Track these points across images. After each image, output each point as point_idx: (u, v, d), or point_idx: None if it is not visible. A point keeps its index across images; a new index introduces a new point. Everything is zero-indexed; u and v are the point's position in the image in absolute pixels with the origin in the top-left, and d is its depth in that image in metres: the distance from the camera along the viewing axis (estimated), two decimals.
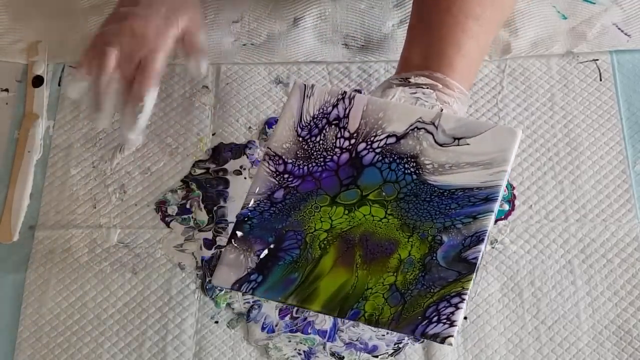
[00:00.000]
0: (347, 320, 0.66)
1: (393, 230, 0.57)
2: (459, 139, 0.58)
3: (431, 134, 0.59)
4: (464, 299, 0.54)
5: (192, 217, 0.72)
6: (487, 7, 0.65)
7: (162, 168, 0.75)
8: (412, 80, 0.62)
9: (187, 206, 0.72)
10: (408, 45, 0.66)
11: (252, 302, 0.68)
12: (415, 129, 0.59)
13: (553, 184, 0.72)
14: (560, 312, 0.67)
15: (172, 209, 0.73)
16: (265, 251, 0.58)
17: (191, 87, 0.79)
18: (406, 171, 0.58)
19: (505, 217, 0.71)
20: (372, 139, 0.60)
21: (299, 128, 0.61)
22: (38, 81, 0.79)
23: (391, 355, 0.66)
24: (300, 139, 0.61)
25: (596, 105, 0.76)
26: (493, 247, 0.70)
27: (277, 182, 0.60)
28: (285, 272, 0.57)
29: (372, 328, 0.66)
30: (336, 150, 0.60)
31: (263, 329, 0.67)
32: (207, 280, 0.69)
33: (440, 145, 0.58)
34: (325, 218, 0.58)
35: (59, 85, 0.79)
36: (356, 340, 0.66)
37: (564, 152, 0.74)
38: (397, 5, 0.82)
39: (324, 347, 0.66)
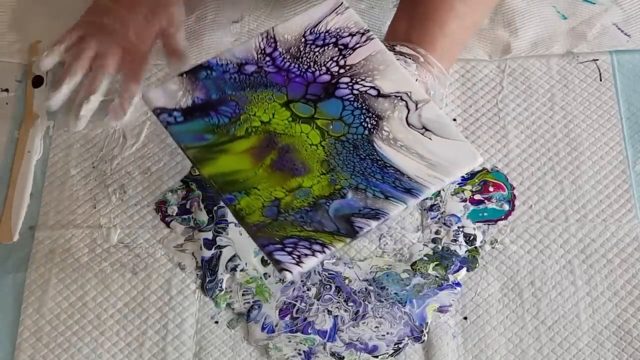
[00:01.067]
0: (347, 320, 0.67)
1: (314, 159, 0.58)
2: (426, 129, 0.59)
3: (408, 110, 0.59)
4: (324, 252, 0.55)
5: (192, 217, 0.72)
6: None
7: (162, 168, 0.75)
8: (397, 48, 0.64)
9: (187, 206, 0.73)
10: (396, 17, 0.68)
11: (252, 302, 0.68)
12: (399, 98, 0.60)
13: (553, 184, 0.72)
14: (560, 312, 0.67)
15: (172, 209, 0.73)
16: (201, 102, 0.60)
17: None
18: (363, 123, 0.59)
19: (505, 217, 0.71)
20: (358, 80, 0.61)
21: (309, 31, 0.62)
22: (38, 81, 0.79)
23: (391, 355, 0.66)
24: (303, 39, 0.62)
25: (596, 105, 0.76)
26: (493, 247, 0.70)
27: (256, 59, 0.61)
28: (203, 128, 0.59)
29: (374, 328, 0.66)
30: (323, 68, 0.61)
31: (263, 329, 0.67)
32: (207, 280, 0.69)
33: (408, 124, 0.59)
34: (270, 112, 0.60)
35: None
36: (356, 341, 0.66)
37: (564, 152, 0.74)
38: (397, 5, 0.82)
39: (324, 347, 0.66)
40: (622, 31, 0.79)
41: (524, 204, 0.72)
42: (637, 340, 0.66)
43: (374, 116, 0.59)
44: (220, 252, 0.70)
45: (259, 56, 0.62)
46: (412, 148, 0.58)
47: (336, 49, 0.62)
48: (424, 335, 0.66)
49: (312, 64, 0.61)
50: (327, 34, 0.62)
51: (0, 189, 0.74)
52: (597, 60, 0.78)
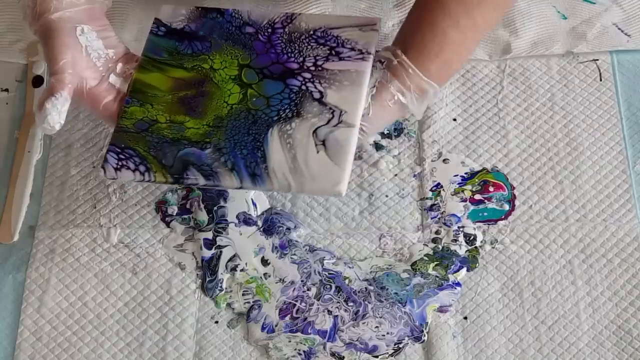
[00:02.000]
0: (347, 320, 0.67)
1: (213, 112, 0.62)
2: (324, 145, 0.59)
3: (327, 123, 0.60)
4: (143, 175, 0.60)
5: (192, 217, 0.72)
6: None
7: None
8: (380, 52, 0.64)
9: (187, 206, 0.73)
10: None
11: (252, 302, 0.68)
12: (331, 111, 0.60)
13: (553, 184, 0.72)
14: (560, 312, 0.67)
15: (172, 209, 0.73)
16: (186, 29, 0.67)
17: None
18: (281, 111, 0.61)
19: (505, 217, 0.71)
20: (315, 81, 0.62)
21: (322, 30, 0.64)
22: (38, 81, 0.79)
23: (391, 355, 0.66)
24: (311, 32, 0.64)
25: (596, 105, 0.76)
26: (493, 247, 0.70)
27: (260, 26, 0.66)
28: (166, 47, 0.65)
29: (374, 328, 0.66)
30: (300, 58, 0.63)
31: (263, 329, 0.67)
32: (207, 280, 0.69)
33: (314, 132, 0.60)
34: (225, 64, 0.64)
35: None
36: (356, 341, 0.66)
37: (564, 152, 0.74)
38: (397, 5, 0.82)
39: (324, 347, 0.66)
40: (622, 31, 0.79)
41: (524, 204, 0.72)
42: (637, 340, 0.66)
43: (295, 112, 0.61)
44: (220, 252, 0.70)
45: (264, 25, 0.65)
46: (294, 149, 0.59)
47: (329, 53, 0.63)
48: (424, 335, 0.66)
49: (296, 52, 0.63)
50: (335, 38, 0.64)
51: (0, 189, 0.74)
52: (597, 60, 0.78)
